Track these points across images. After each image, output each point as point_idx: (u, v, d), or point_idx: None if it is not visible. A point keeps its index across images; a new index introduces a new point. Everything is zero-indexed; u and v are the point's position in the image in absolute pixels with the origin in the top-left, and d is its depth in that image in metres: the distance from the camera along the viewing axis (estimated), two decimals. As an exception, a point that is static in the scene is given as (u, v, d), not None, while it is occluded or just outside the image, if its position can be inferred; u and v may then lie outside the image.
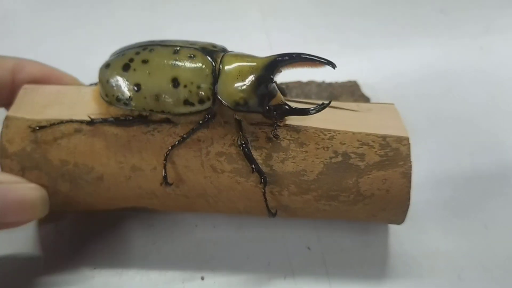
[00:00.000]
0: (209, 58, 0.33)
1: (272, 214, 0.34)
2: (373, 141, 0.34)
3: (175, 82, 0.32)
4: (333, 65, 0.31)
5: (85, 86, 0.37)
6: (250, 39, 0.55)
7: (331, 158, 0.33)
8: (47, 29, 0.55)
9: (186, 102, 0.32)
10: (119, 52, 0.35)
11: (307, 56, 0.31)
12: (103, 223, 0.39)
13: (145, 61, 0.33)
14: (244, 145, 0.33)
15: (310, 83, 0.52)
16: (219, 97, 0.32)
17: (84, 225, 0.39)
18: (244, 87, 0.32)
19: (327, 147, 0.34)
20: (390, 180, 0.33)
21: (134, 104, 0.33)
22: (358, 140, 0.34)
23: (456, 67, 0.52)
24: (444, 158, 0.44)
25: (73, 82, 0.39)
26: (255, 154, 0.33)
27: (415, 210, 0.37)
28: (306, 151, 0.33)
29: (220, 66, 0.32)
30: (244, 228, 0.39)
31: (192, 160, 0.34)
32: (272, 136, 0.33)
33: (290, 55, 0.31)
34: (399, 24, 0.57)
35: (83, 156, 0.34)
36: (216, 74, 0.32)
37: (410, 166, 0.33)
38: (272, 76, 0.32)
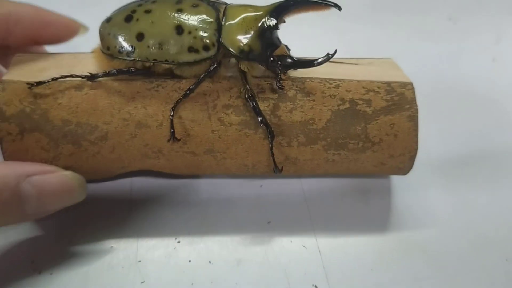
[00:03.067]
0: (211, 7, 0.33)
1: (278, 169, 0.34)
2: (378, 87, 0.34)
3: (179, 29, 0.32)
4: (338, 7, 0.31)
5: (82, 53, 0.36)
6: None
7: (338, 105, 0.33)
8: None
9: (191, 49, 0.32)
10: (120, 7, 0.34)
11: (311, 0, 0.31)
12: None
13: (148, 11, 0.33)
14: (251, 97, 0.32)
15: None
16: (224, 44, 0.32)
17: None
18: (249, 33, 0.31)
19: (334, 95, 0.34)
20: (398, 124, 0.34)
21: (137, 54, 0.32)
22: (363, 87, 0.34)
23: (467, 80, 0.48)
24: (456, 178, 0.41)
25: (74, 25, 0.37)
26: (263, 105, 0.33)
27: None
28: (313, 100, 0.33)
29: (224, 14, 0.32)
30: (243, 264, 0.34)
31: (199, 114, 0.33)
32: (277, 87, 0.32)
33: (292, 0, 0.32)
34: (405, 33, 0.54)
35: (86, 115, 0.33)
36: (220, 22, 0.32)
37: (416, 109, 0.34)
38: (277, 22, 0.32)
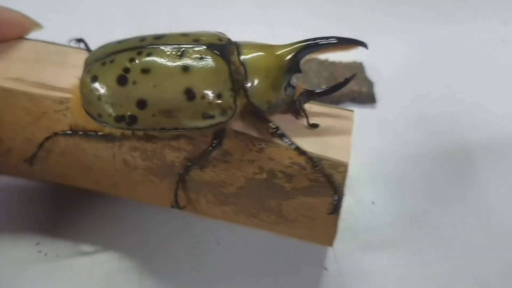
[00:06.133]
0: (221, 58, 0.27)
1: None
2: (306, 162, 0.29)
3: (190, 93, 0.27)
4: (365, 45, 0.28)
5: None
6: (250, 23, 0.49)
7: (254, 173, 0.29)
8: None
9: (206, 115, 0.27)
10: (103, 56, 0.28)
11: (336, 41, 0.28)
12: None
13: (145, 71, 0.27)
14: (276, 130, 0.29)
15: (311, 60, 0.47)
16: (253, 102, 0.28)
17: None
18: (275, 85, 0.28)
19: (253, 161, 0.29)
20: (317, 209, 0.29)
21: (140, 124, 0.27)
22: (289, 158, 0.29)
23: (474, 59, 0.45)
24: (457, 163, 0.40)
25: (26, 22, 0.33)
26: (173, 155, 0.30)
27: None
28: (228, 162, 0.30)
29: (242, 62, 0.28)
30: (251, 245, 0.33)
31: (103, 150, 0.30)
32: (310, 125, 0.30)
33: (317, 42, 0.28)
34: (414, 12, 0.50)
35: None
36: (232, 76, 0.27)
37: (341, 198, 0.29)
38: (300, 67, 0.28)
